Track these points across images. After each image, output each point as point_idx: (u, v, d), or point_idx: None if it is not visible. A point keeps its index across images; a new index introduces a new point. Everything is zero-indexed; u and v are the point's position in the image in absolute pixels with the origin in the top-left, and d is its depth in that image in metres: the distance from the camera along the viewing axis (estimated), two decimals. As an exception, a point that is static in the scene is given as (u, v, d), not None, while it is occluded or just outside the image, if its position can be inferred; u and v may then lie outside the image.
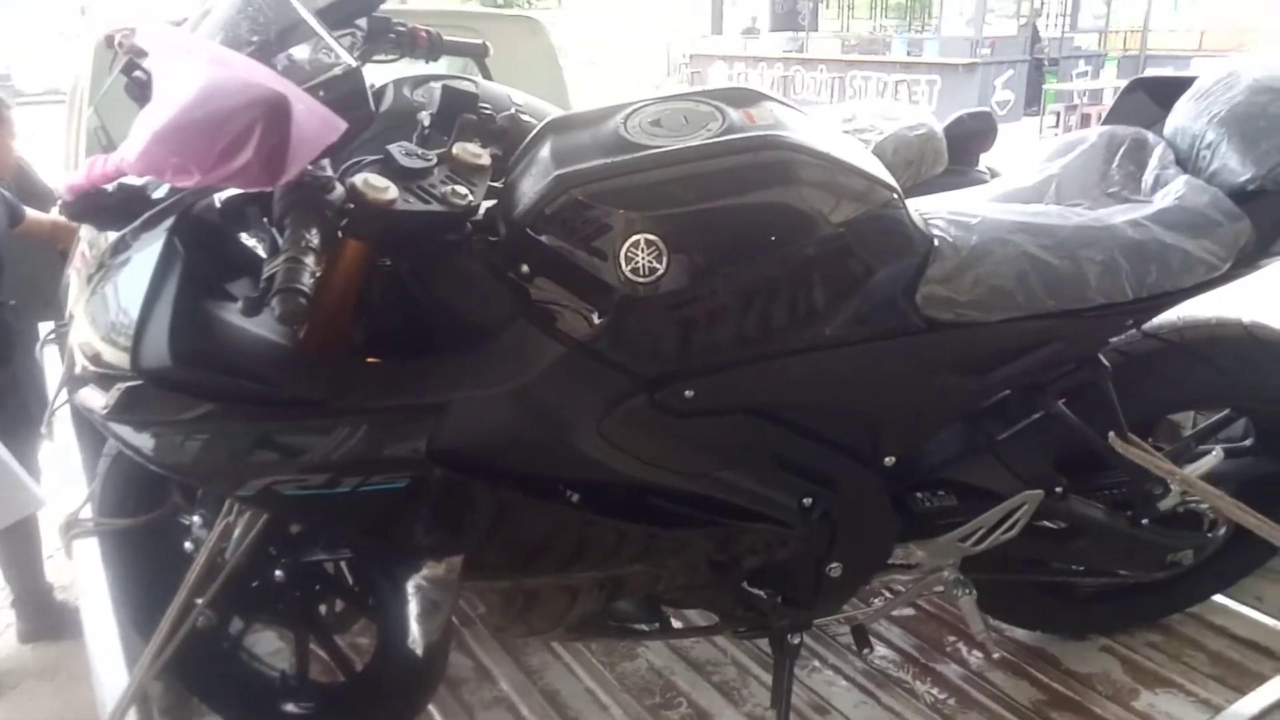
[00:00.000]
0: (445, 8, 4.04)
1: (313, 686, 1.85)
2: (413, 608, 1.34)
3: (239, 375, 1.21)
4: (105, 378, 1.25)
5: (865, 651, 1.81)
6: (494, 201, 1.34)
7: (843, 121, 2.48)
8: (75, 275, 1.43)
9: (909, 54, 16.01)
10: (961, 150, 2.60)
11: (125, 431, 1.24)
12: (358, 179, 1.17)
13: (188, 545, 1.62)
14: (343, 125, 1.08)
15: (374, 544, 1.54)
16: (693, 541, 1.48)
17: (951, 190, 1.75)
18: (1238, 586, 2.09)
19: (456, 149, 1.31)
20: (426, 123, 1.39)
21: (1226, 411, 1.88)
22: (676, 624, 1.87)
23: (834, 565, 1.57)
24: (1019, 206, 1.57)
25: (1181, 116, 1.67)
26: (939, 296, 1.42)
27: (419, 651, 1.38)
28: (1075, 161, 1.67)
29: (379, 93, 1.78)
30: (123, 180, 1.21)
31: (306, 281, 1.04)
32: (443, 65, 2.14)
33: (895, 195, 1.39)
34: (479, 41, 2.08)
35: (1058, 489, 1.65)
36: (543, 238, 1.27)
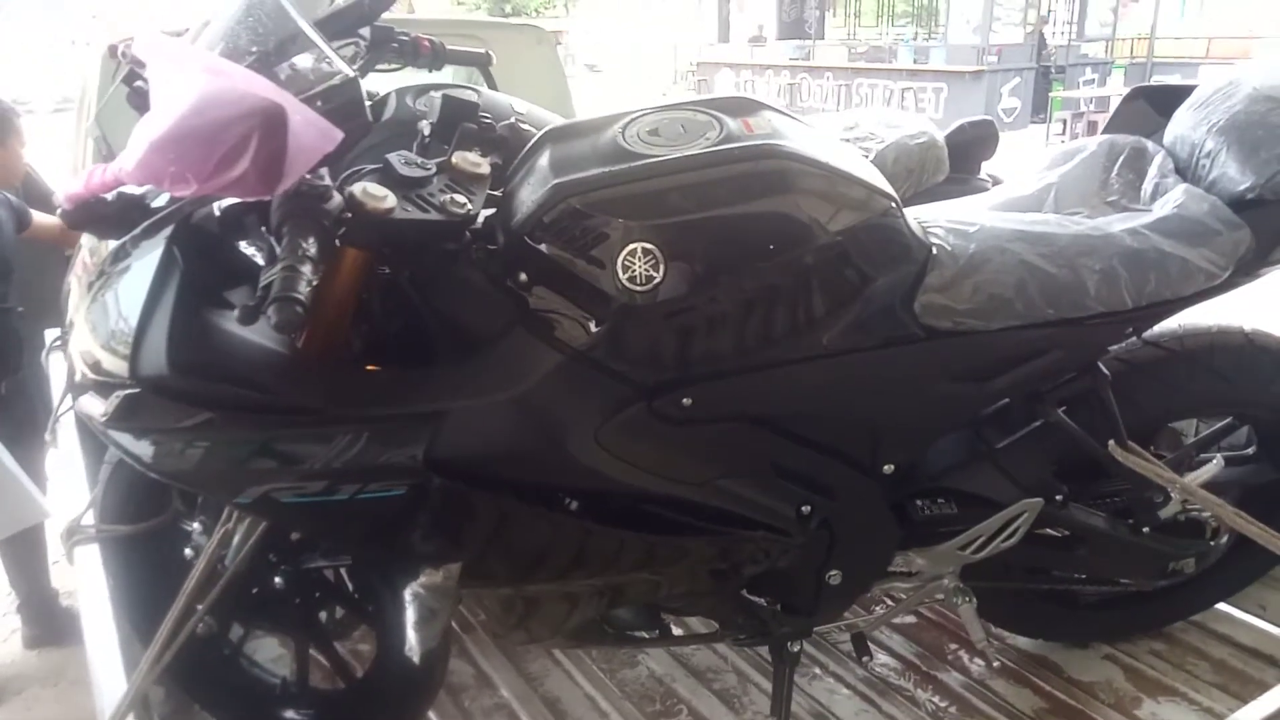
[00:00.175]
0: (450, 17, 4.05)
1: (313, 693, 1.85)
2: (410, 615, 1.35)
3: (237, 383, 1.22)
4: (104, 385, 1.26)
5: (865, 659, 1.81)
6: (493, 210, 1.35)
7: (844, 129, 2.48)
8: (76, 282, 1.44)
9: (915, 62, 15.98)
10: (963, 158, 2.59)
11: (124, 439, 1.25)
12: (356, 188, 1.17)
13: (188, 552, 1.62)
14: (339, 135, 1.09)
15: (372, 551, 1.54)
16: (692, 549, 1.48)
17: (952, 198, 1.75)
18: (1241, 594, 2.08)
19: (456, 158, 1.32)
20: (427, 132, 1.40)
21: (1228, 419, 1.87)
22: (677, 631, 1.87)
23: (834, 573, 1.57)
24: (1017, 215, 1.57)
25: (1181, 125, 1.67)
26: (937, 305, 1.42)
27: (416, 659, 1.38)
28: (1074, 170, 1.67)
29: (382, 102, 1.78)
30: (122, 189, 1.22)
31: (303, 290, 1.05)
32: (448, 74, 2.15)
33: (893, 204, 1.39)
34: (482, 51, 2.09)
35: (1058, 497, 1.65)
36: (541, 246, 1.27)
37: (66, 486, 1.90)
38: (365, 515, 1.30)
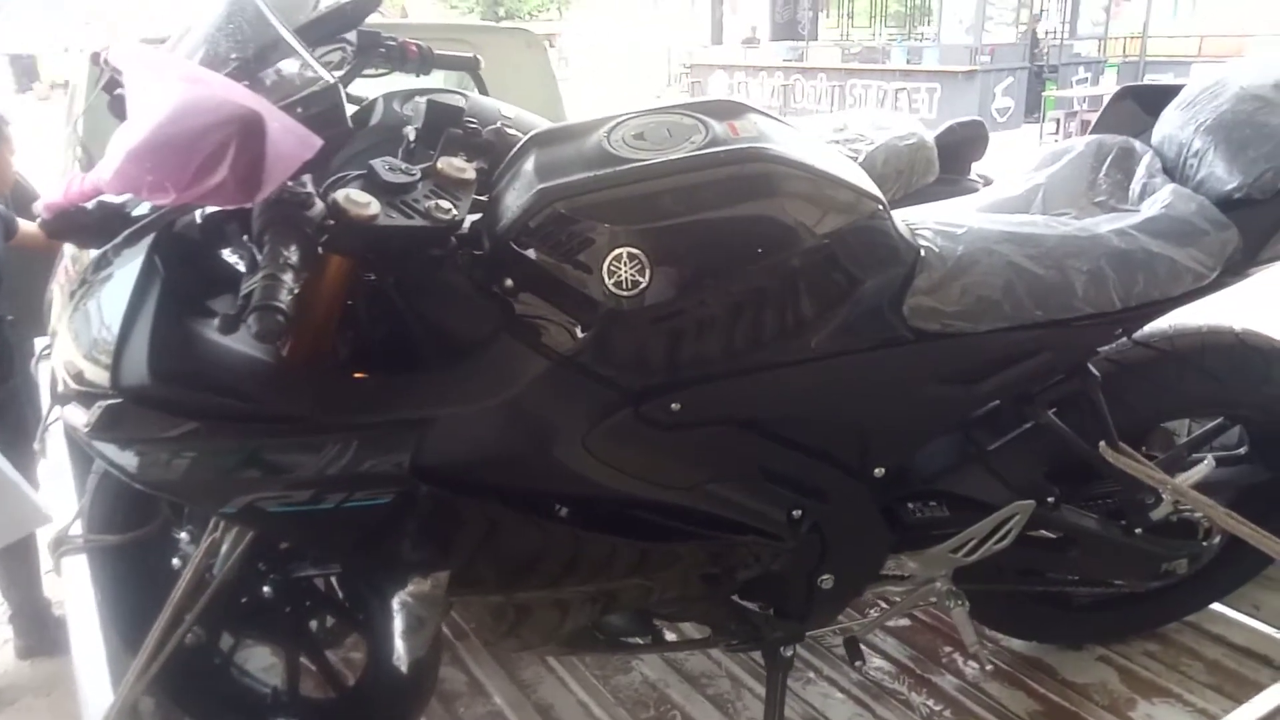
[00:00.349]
0: (440, 21, 4.05)
1: (304, 702, 1.84)
2: (398, 623, 1.34)
3: (220, 392, 1.21)
4: (87, 395, 1.24)
5: (859, 663, 1.80)
6: (478, 216, 1.34)
7: (834, 131, 2.47)
8: (59, 291, 1.43)
9: (909, 62, 16.01)
10: (953, 159, 2.59)
11: (108, 449, 1.24)
12: (339, 194, 1.16)
13: (176, 561, 1.61)
14: (319, 142, 1.08)
15: (360, 560, 1.53)
16: (683, 554, 1.47)
17: (942, 199, 1.75)
18: (1235, 594, 2.07)
19: (441, 163, 1.31)
20: (412, 137, 1.39)
21: (1220, 420, 1.87)
22: (670, 636, 1.87)
23: (825, 577, 1.56)
24: (1005, 216, 1.57)
25: (1168, 125, 1.67)
26: (926, 307, 1.41)
27: (404, 668, 1.37)
28: (1062, 171, 1.66)
29: (368, 107, 1.78)
30: (101, 198, 1.21)
31: (284, 298, 1.04)
32: (439, 79, 2.14)
33: (880, 206, 1.39)
34: (470, 55, 2.08)
35: (1050, 499, 1.64)
36: (526, 252, 1.26)
37: (56, 496, 1.89)
38: (352, 524, 1.29)
